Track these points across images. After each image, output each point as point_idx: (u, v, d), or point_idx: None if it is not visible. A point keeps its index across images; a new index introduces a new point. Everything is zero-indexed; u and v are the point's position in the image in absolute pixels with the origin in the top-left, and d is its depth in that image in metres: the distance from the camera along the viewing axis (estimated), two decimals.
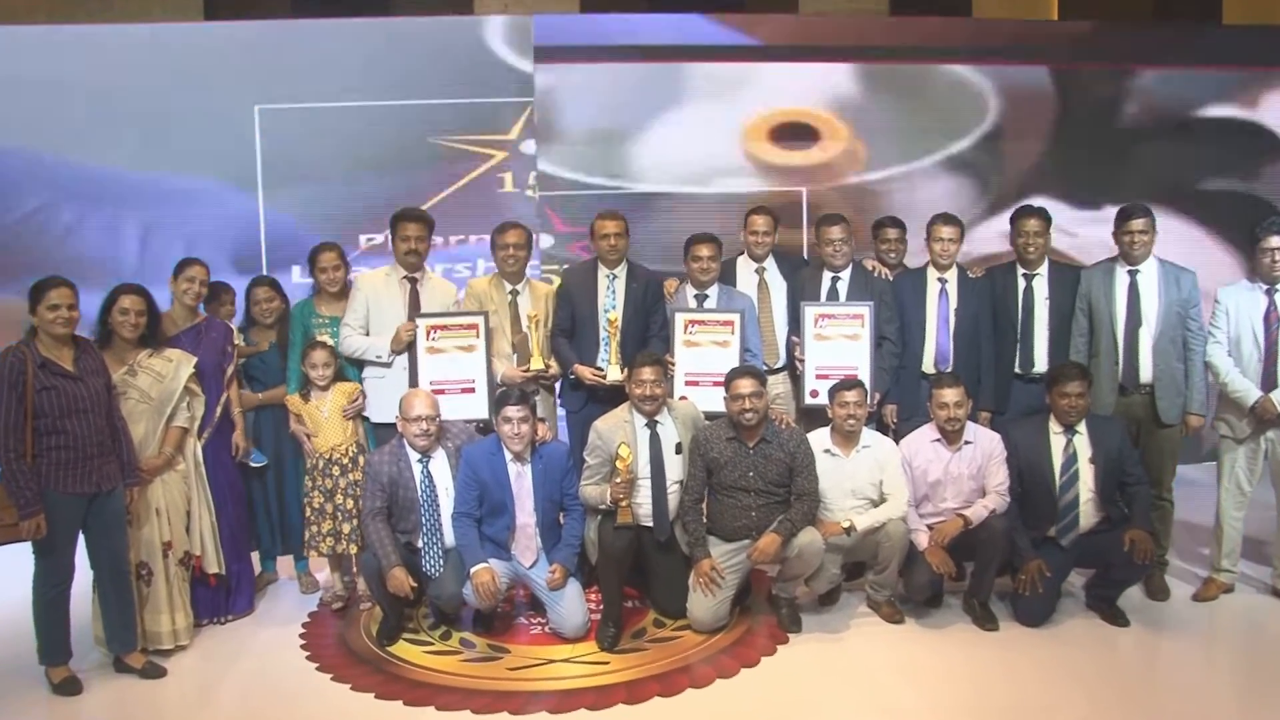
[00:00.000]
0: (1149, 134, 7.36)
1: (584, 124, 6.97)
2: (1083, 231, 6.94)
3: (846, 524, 4.61)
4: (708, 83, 7.03)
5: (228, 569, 4.73)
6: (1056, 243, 5.61)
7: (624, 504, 4.49)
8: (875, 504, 4.73)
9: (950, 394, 4.70)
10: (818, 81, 7.14)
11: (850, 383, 4.76)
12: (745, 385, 4.57)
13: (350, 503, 4.82)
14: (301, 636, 4.65)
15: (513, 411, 4.47)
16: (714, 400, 4.93)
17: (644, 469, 4.64)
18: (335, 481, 4.83)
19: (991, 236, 6.93)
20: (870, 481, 4.73)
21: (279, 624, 4.82)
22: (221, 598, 4.78)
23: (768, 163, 7.15)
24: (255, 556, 5.18)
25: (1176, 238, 6.89)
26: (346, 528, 4.83)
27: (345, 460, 4.86)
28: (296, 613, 4.94)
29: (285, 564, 5.34)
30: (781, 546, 4.49)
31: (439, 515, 4.57)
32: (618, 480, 4.46)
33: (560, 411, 5.33)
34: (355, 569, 4.97)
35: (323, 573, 5.20)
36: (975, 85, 7.21)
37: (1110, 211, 5.13)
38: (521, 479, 4.55)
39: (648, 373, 4.62)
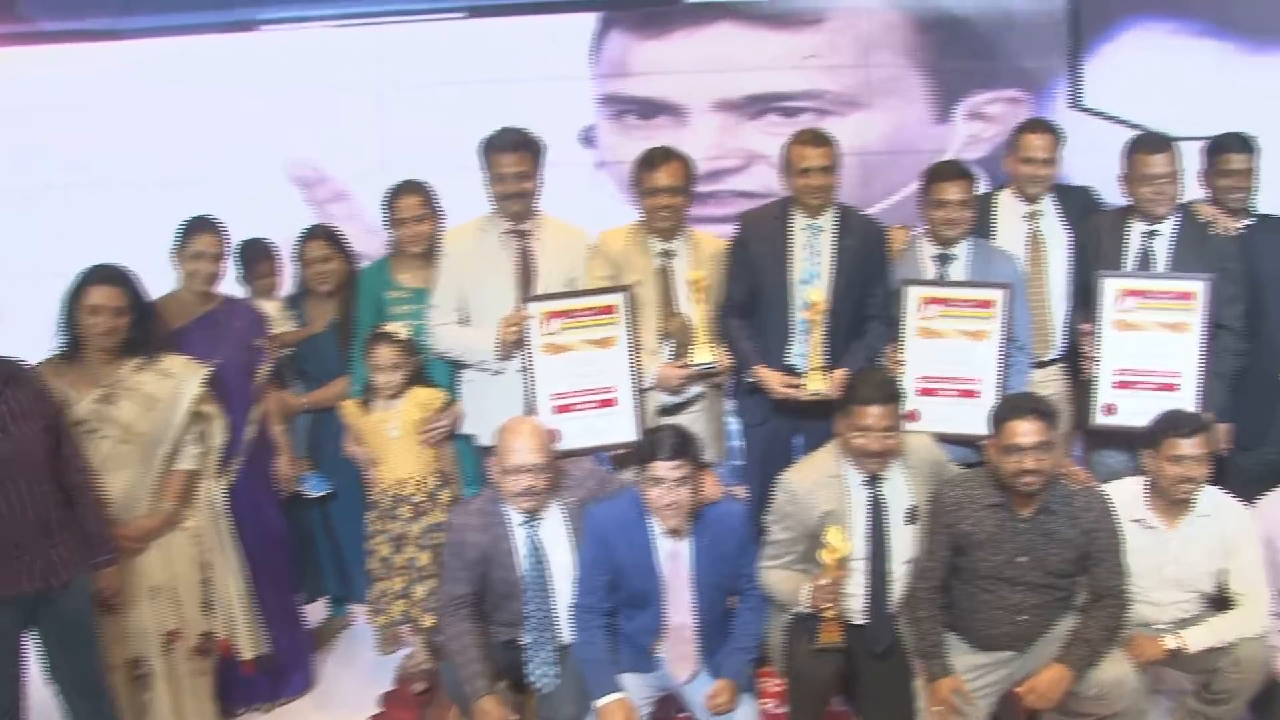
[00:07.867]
0: None
1: None
2: None
3: (1174, 644, 3.00)
4: None
5: (274, 644, 3.44)
6: None
7: (830, 615, 2.95)
8: (1211, 602, 3.09)
9: None
10: None
11: (1190, 423, 3.02)
12: (1026, 432, 2.89)
13: (424, 557, 3.42)
14: None
15: (664, 469, 2.90)
16: (959, 418, 3.36)
17: (859, 546, 3.08)
18: (405, 527, 3.44)
19: None
20: (1207, 569, 3.08)
21: (339, 712, 3.55)
22: (265, 681, 3.50)
23: None
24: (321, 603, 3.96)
25: None
26: (420, 590, 3.43)
27: (419, 497, 3.44)
28: (367, 689, 3.65)
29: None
30: (1072, 683, 2.91)
31: (551, 604, 3.11)
32: (823, 581, 2.90)
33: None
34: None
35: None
36: None
37: None
38: (676, 561, 3.03)
39: (875, 414, 2.97)
